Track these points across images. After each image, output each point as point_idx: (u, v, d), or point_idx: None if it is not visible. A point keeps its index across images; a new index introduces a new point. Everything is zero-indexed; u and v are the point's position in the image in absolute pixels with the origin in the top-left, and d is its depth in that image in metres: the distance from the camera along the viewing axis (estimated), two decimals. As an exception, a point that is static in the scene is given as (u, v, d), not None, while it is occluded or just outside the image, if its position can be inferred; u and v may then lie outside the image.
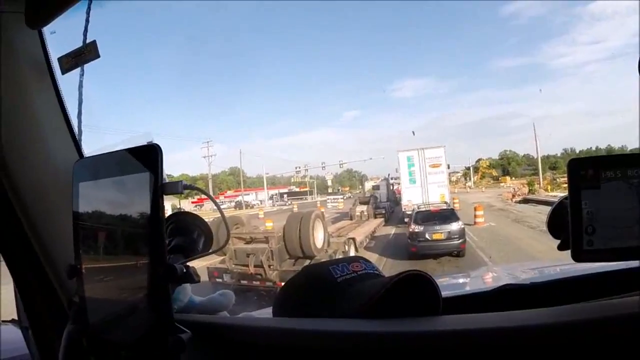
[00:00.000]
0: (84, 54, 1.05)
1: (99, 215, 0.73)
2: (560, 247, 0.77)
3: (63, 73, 1.07)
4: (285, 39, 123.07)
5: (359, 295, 0.71)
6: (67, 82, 1.10)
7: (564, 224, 0.74)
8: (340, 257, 9.34)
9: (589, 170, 0.66)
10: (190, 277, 0.70)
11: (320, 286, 0.77)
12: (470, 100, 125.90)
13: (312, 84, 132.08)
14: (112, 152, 0.72)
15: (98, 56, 1.05)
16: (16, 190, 0.94)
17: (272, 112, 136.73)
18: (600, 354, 0.52)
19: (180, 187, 0.65)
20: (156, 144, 0.64)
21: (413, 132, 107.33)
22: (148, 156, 0.64)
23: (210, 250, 0.88)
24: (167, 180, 0.64)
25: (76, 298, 0.76)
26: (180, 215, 0.89)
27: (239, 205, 49.30)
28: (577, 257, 0.68)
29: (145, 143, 1.11)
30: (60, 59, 1.07)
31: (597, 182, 0.66)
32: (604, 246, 0.66)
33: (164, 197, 0.65)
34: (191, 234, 0.87)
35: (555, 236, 0.81)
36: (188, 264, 0.72)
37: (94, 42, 1.05)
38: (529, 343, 0.54)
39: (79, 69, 1.11)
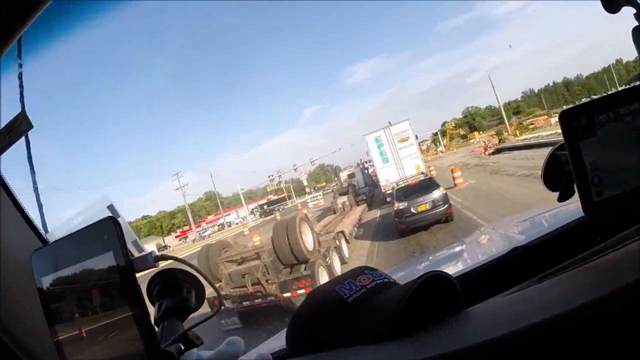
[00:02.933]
0: (15, 128, 0.96)
1: (71, 308, 0.64)
2: (561, 198, 0.75)
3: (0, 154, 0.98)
4: (231, 52, 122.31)
5: (376, 312, 0.66)
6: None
7: (560, 175, 0.72)
8: (334, 255, 9.31)
9: (582, 119, 0.63)
10: (192, 343, 0.64)
11: (332, 312, 0.70)
12: (423, 68, 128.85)
13: (266, 90, 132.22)
14: (68, 235, 0.63)
15: (31, 126, 0.96)
16: None
17: (233, 129, 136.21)
18: None
19: (151, 260, 0.59)
20: (110, 217, 0.57)
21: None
22: (105, 232, 0.57)
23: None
24: (135, 255, 0.57)
25: None
26: (162, 275, 0.82)
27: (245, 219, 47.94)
28: (590, 212, 0.64)
29: (104, 209, 1.03)
30: None
31: (592, 129, 0.62)
32: (614, 192, 0.63)
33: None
34: (180, 291, 0.81)
35: (552, 189, 0.78)
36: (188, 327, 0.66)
37: (23, 113, 0.96)
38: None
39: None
